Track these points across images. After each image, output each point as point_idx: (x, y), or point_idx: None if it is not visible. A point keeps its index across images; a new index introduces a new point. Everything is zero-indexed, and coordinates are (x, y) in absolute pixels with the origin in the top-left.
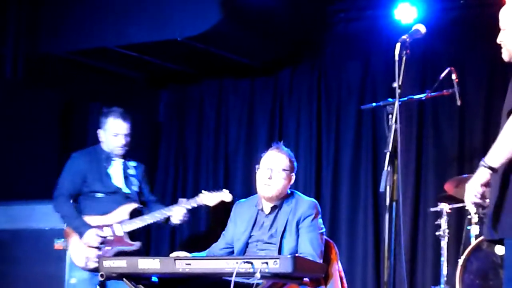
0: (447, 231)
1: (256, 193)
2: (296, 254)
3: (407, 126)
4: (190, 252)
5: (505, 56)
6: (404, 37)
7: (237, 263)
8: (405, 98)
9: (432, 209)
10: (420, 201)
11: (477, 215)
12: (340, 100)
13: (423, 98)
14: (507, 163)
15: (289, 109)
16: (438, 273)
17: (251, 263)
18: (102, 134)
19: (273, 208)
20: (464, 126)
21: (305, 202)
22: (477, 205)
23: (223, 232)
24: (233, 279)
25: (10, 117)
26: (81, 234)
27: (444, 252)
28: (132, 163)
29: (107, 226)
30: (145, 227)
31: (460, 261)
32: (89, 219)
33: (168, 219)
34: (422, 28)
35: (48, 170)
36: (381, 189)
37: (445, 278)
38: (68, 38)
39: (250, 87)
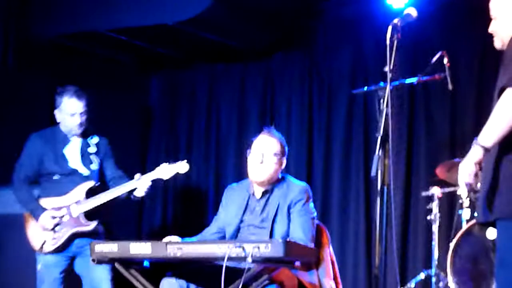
0: (438, 215)
1: (247, 177)
2: (288, 239)
3: (398, 110)
4: (182, 237)
5: (498, 44)
6: (395, 21)
7: (228, 247)
8: (397, 83)
9: (424, 194)
10: (411, 185)
11: (468, 199)
12: (332, 84)
13: (415, 82)
14: (498, 144)
15: (281, 93)
16: (429, 257)
17: (243, 248)
18: (58, 115)
19: (264, 193)
20: (455, 110)
21: (296, 187)
22: (469, 186)
23: (215, 217)
24: (225, 263)
25: (1, 102)
26: (36, 217)
27: (436, 236)
28: (93, 140)
29: (63, 207)
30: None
31: (451, 245)
32: (46, 201)
33: (130, 192)
34: (414, 12)
35: None
36: (373, 173)
37: (436, 262)
38: (58, 22)
39: (242, 72)
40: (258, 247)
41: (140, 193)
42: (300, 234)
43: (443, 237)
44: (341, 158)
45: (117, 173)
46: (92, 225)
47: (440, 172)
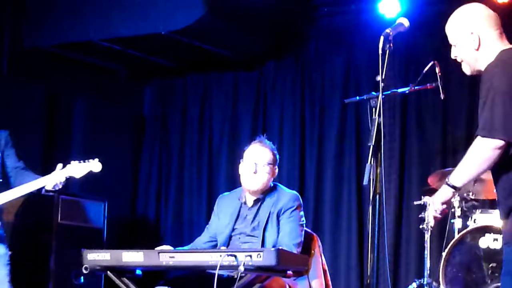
0: (430, 224)
1: (239, 186)
2: (279, 247)
3: (390, 120)
4: (174, 246)
5: (467, 71)
6: (387, 30)
7: (220, 256)
8: (389, 92)
9: (416, 203)
10: (403, 194)
11: (460, 209)
12: (324, 93)
13: (407, 91)
14: None
15: (273, 102)
16: (421, 266)
17: (235, 256)
18: None
19: (256, 201)
20: (447, 119)
21: (286, 195)
22: (437, 219)
23: (207, 226)
24: (217, 272)
25: None
26: None
27: (428, 245)
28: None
29: None
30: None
31: (444, 254)
32: None
33: (40, 189)
34: (406, 22)
35: (33, 163)
36: (365, 182)
37: (429, 271)
38: (52, 32)
39: (234, 81)
40: (250, 256)
41: (49, 186)
42: (286, 240)
43: (435, 246)
44: (333, 167)
45: (18, 164)
46: None
47: (432, 181)
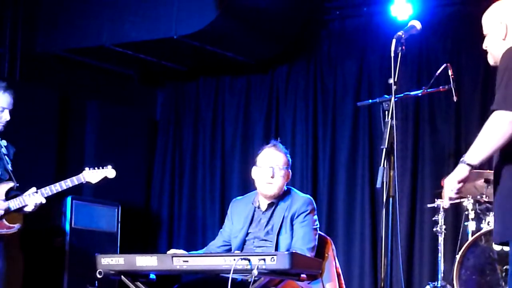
0: (444, 227)
1: (252, 190)
2: (293, 251)
3: (403, 123)
4: (187, 250)
5: (490, 61)
6: (399, 33)
7: (234, 259)
8: (401, 95)
9: (429, 205)
10: (417, 197)
11: (473, 211)
12: (336, 97)
13: (419, 94)
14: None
15: (285, 106)
16: (435, 269)
17: (249, 260)
18: None
19: (269, 205)
20: (460, 122)
21: (300, 199)
22: (452, 200)
23: (220, 230)
24: (231, 275)
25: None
26: None
27: (441, 248)
28: (3, 142)
29: None
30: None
31: (458, 257)
32: None
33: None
34: (418, 24)
35: (46, 168)
36: (378, 185)
37: (442, 274)
38: (65, 37)
39: (246, 85)
40: (264, 260)
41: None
42: (299, 244)
43: (449, 248)
44: (346, 170)
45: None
46: (17, 227)
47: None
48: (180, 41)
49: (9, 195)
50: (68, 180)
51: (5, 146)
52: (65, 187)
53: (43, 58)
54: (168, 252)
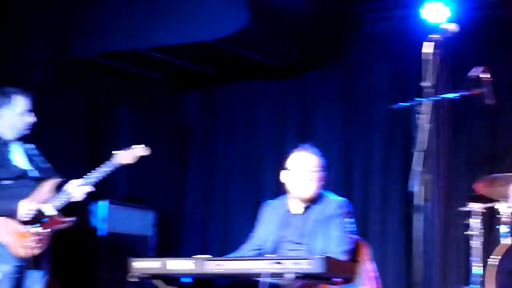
0: (477, 230)
1: (285, 193)
2: (327, 254)
3: (437, 126)
4: (220, 254)
5: None
6: (434, 36)
7: (268, 263)
8: (435, 97)
9: (462, 209)
10: (450, 200)
11: (506, 215)
12: (369, 100)
13: (454, 97)
14: None
15: (318, 110)
16: (468, 273)
17: (282, 264)
18: (7, 116)
19: (303, 208)
20: (495, 125)
21: (334, 202)
22: None
23: (252, 233)
24: (265, 279)
25: (41, 120)
26: (14, 213)
27: (474, 252)
28: (30, 145)
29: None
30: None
31: (491, 261)
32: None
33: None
34: (452, 27)
35: (78, 172)
36: (412, 189)
37: (476, 278)
38: (98, 41)
39: (279, 89)
40: (298, 263)
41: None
42: (333, 247)
43: (482, 252)
44: (380, 173)
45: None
46: (73, 219)
47: (479, 187)
48: (213, 45)
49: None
50: (105, 164)
51: (32, 148)
52: (105, 173)
53: (76, 62)
54: (194, 257)
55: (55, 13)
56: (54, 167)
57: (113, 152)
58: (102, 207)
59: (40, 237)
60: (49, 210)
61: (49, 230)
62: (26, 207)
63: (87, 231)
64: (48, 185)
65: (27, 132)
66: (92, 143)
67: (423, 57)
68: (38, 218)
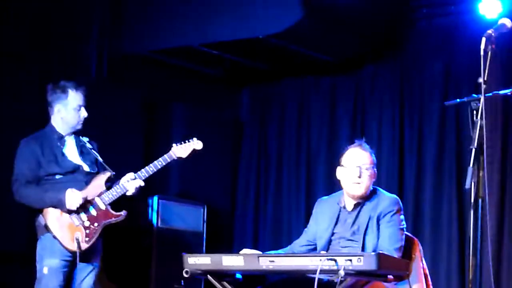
0: None
1: (337, 190)
2: (380, 251)
3: (492, 122)
4: (272, 249)
5: None
6: (489, 31)
7: (320, 260)
8: (490, 94)
9: None
10: (505, 198)
11: None
12: (423, 96)
13: (509, 93)
14: None
15: (371, 106)
16: None
17: (335, 260)
18: (62, 110)
19: (355, 205)
20: None
21: (386, 199)
22: None
23: (305, 229)
24: (317, 276)
25: (95, 116)
26: (61, 203)
27: None
28: (85, 139)
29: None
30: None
31: None
32: None
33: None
34: (508, 23)
35: (132, 169)
36: (467, 186)
37: None
38: (151, 37)
39: (331, 85)
40: (351, 260)
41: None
42: (386, 244)
43: None
44: (433, 171)
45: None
46: (124, 214)
47: None
48: (266, 40)
49: (107, 185)
50: (160, 159)
51: (88, 142)
52: (159, 167)
53: (129, 58)
54: (241, 252)
55: (108, 9)
56: (109, 163)
57: (172, 145)
58: (155, 202)
59: (90, 231)
60: (100, 204)
61: (99, 224)
62: (73, 196)
63: (140, 227)
64: (100, 179)
65: (80, 127)
66: (146, 139)
67: (479, 53)
68: (86, 208)
